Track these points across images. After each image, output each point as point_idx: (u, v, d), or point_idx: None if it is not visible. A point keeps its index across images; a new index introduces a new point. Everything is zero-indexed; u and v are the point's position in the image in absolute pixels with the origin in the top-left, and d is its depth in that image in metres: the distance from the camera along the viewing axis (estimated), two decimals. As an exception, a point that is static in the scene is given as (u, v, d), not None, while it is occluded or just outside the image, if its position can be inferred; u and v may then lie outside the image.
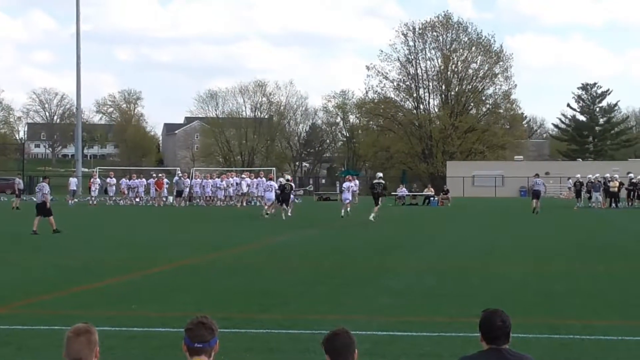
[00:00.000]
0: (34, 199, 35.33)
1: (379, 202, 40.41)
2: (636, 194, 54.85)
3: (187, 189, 59.81)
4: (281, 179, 44.64)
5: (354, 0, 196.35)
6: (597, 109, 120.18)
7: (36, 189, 32.52)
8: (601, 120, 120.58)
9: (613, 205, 54.12)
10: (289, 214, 42.16)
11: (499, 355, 5.47)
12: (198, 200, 59.79)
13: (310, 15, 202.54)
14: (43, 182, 31.78)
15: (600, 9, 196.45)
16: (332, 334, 5.24)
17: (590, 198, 54.67)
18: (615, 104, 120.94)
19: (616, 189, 54.58)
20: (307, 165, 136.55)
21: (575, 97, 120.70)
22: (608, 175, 57.26)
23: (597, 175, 56.80)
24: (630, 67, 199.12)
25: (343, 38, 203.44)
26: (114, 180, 60.61)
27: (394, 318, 12.71)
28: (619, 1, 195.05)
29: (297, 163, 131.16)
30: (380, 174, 45.26)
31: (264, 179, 51.31)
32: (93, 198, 58.94)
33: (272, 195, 42.74)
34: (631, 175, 56.14)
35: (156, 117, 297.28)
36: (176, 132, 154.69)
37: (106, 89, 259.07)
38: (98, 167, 76.13)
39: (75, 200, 60.57)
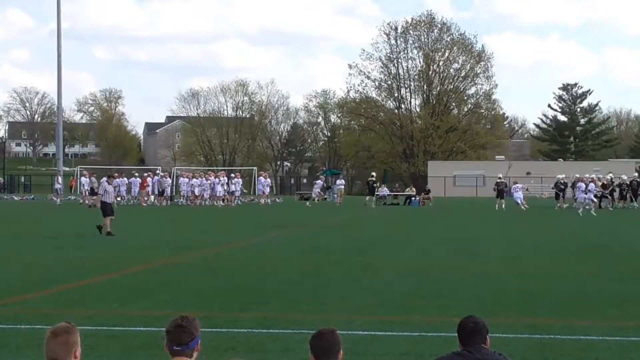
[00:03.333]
0: (15, 198, 35.02)
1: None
2: (624, 194, 55.22)
3: (169, 188, 59.72)
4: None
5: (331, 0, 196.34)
6: (578, 109, 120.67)
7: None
8: (582, 121, 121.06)
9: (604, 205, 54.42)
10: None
11: (468, 355, 5.57)
12: (182, 199, 59.69)
13: (288, 14, 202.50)
14: (105, 181, 30.95)
15: (576, 7, 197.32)
16: (317, 333, 5.27)
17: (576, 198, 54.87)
18: (596, 104, 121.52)
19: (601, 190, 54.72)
20: (289, 164, 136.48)
21: (556, 98, 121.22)
22: (594, 175, 57.64)
23: (587, 175, 57.09)
24: (609, 67, 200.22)
25: (320, 37, 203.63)
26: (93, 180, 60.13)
27: (375, 317, 12.75)
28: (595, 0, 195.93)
29: (278, 162, 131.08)
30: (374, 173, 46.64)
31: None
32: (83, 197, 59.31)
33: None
34: (623, 176, 56.32)
35: (137, 116, 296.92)
36: (157, 131, 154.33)
37: (85, 87, 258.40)
38: (79, 166, 75.94)
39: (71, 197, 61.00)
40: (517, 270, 19.34)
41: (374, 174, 59.32)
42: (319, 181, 68.94)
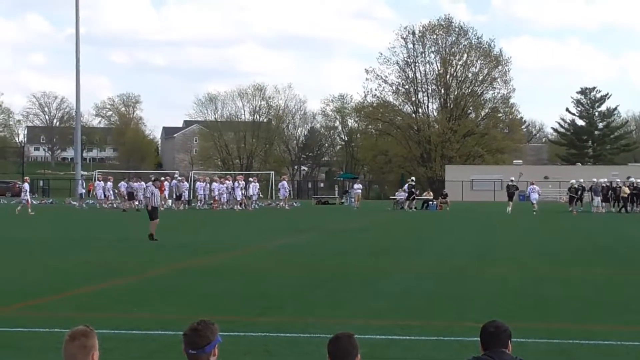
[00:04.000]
0: (34, 202, 35.05)
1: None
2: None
3: (186, 193, 59.98)
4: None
5: (344, 3, 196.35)
6: (596, 114, 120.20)
7: (146, 193, 31.04)
8: (600, 125, 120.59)
9: (623, 210, 54.28)
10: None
11: (488, 359, 5.57)
12: (199, 203, 59.96)
13: (304, 18, 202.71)
14: (152, 184, 30.97)
15: (595, 11, 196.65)
16: (334, 338, 5.29)
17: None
18: (615, 108, 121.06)
19: (626, 195, 54.62)
20: (306, 169, 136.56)
21: (574, 102, 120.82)
22: (618, 180, 57.68)
23: (605, 180, 57.09)
24: (628, 71, 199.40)
25: (337, 41, 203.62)
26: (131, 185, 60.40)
27: (392, 322, 12.74)
28: (613, 3, 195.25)
29: (295, 167, 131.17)
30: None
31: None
32: (102, 200, 59.97)
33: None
34: (632, 179, 56.20)
35: (155, 120, 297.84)
36: (175, 135, 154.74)
37: (103, 92, 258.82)
38: (97, 171, 76.26)
39: (89, 201, 61.51)
40: (534, 274, 19.28)
41: (413, 178, 59.74)
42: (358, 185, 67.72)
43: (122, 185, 60.80)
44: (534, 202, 53.25)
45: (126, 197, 58.69)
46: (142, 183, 60.43)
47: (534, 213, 50.69)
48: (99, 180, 62.36)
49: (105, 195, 60.97)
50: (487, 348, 5.66)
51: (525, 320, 12.64)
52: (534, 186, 54.97)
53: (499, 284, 17.51)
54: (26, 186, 52.08)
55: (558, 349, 10.91)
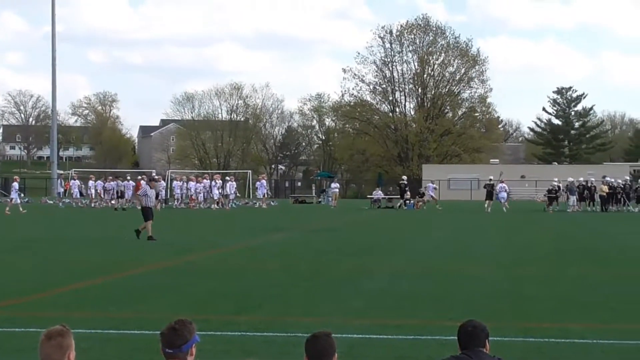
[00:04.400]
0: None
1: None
2: (617, 198, 55.45)
3: (163, 192, 59.77)
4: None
5: (323, 3, 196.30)
6: (573, 113, 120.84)
7: (141, 192, 30.68)
8: (576, 124, 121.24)
9: (602, 209, 54.66)
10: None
11: (466, 359, 5.58)
12: (176, 202, 59.78)
13: (282, 18, 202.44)
14: (147, 184, 30.53)
15: (571, 11, 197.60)
16: (312, 337, 5.28)
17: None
18: (591, 108, 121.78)
19: (605, 194, 54.94)
20: (283, 168, 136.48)
21: (551, 101, 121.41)
22: (593, 179, 58.12)
23: (581, 179, 57.49)
24: (603, 71, 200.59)
25: (314, 40, 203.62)
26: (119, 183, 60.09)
27: (370, 321, 12.76)
28: (589, 4, 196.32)
29: (272, 166, 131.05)
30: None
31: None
32: (78, 199, 59.74)
33: None
34: (607, 179, 56.53)
35: (132, 119, 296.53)
36: (152, 134, 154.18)
37: (80, 90, 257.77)
38: (73, 169, 75.85)
39: (66, 200, 61.16)
40: (511, 273, 19.36)
41: (405, 177, 59.99)
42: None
43: (99, 184, 60.48)
44: (503, 200, 55.07)
45: (115, 196, 58.56)
46: (131, 182, 60.28)
47: (504, 210, 52.11)
48: (74, 179, 62.11)
49: (87, 194, 60.73)
50: (465, 347, 5.68)
51: (502, 319, 12.69)
52: (503, 184, 56.46)
53: (477, 282, 17.56)
54: (15, 185, 52.08)
55: (535, 348, 10.95)
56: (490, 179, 57.48)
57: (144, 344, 10.77)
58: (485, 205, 53.78)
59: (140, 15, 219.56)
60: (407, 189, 61.24)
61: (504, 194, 56.00)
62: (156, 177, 61.37)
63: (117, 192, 58.99)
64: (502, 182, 56.61)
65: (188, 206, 58.12)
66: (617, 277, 18.88)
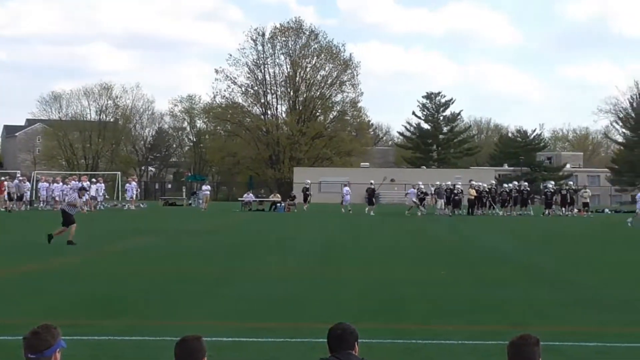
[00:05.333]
0: None
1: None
2: (483, 202, 56.91)
3: (28, 193, 58.27)
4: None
5: (194, 3, 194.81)
6: (441, 118, 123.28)
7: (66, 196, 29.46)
8: (445, 129, 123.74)
9: (464, 212, 55.99)
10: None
11: None
12: (42, 204, 58.34)
13: (153, 18, 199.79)
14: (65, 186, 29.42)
15: (439, 18, 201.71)
16: (181, 340, 5.24)
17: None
18: (459, 113, 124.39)
19: (472, 197, 56.20)
20: (153, 170, 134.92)
21: (420, 106, 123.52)
22: (459, 184, 59.39)
23: (449, 182, 58.70)
24: (470, 77, 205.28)
25: (186, 42, 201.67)
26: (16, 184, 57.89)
27: (240, 324, 12.71)
28: (457, 11, 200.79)
29: (142, 167, 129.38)
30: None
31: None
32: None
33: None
34: (474, 183, 57.92)
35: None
36: (17, 134, 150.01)
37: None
38: None
39: None
40: (381, 275, 19.59)
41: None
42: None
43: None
44: (347, 203, 58.16)
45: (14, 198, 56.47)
46: (27, 184, 58.38)
47: (350, 212, 54.97)
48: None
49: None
50: (334, 350, 5.70)
51: (372, 321, 12.83)
52: (347, 188, 59.46)
53: (347, 285, 17.70)
54: None
55: (403, 349, 11.11)
56: (372, 183, 58.37)
57: (8, 350, 10.45)
58: (366, 210, 54.66)
59: (6, 11, 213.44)
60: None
61: (348, 197, 58.61)
62: (20, 177, 59.91)
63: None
64: (346, 185, 58.70)
65: (53, 208, 56.69)
66: (481, 278, 19.33)
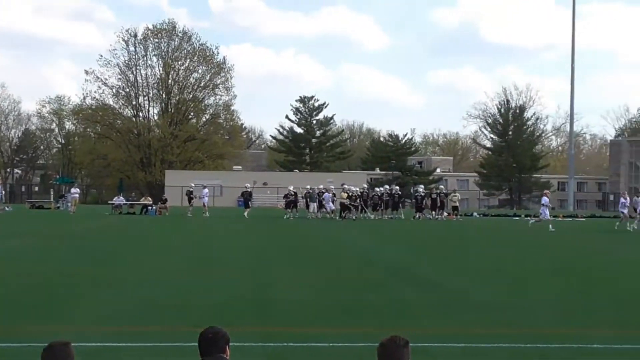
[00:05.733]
0: None
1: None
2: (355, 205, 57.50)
3: None
4: None
5: (65, 3, 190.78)
6: (314, 122, 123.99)
7: None
8: (318, 133, 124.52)
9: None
10: None
11: None
12: None
13: (20, 17, 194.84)
14: None
15: (312, 22, 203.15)
16: (48, 347, 5.15)
17: (308, 208, 56.69)
18: (331, 117, 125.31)
19: (345, 201, 56.59)
20: (20, 172, 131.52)
21: (293, 110, 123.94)
22: (332, 187, 59.89)
23: (321, 186, 59.12)
24: (342, 81, 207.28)
25: (55, 41, 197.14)
26: None
27: (108, 328, 12.53)
28: (330, 16, 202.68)
29: (8, 170, 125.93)
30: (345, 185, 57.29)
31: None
32: None
33: None
34: (346, 186, 58.50)
35: None
36: None
37: None
38: None
39: None
40: (254, 278, 19.61)
41: (248, 184, 59.75)
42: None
43: None
44: (203, 202, 58.42)
45: None
46: None
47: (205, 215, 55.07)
48: None
49: None
50: (205, 354, 5.69)
51: (243, 324, 12.81)
52: (206, 190, 59.46)
53: (220, 288, 17.63)
54: None
55: (274, 352, 11.14)
56: (247, 186, 59.10)
57: None
58: (245, 214, 54.71)
59: None
60: (250, 198, 60.14)
61: (206, 199, 58.64)
62: None
63: None
64: (204, 187, 59.30)
65: None
66: (352, 281, 19.52)
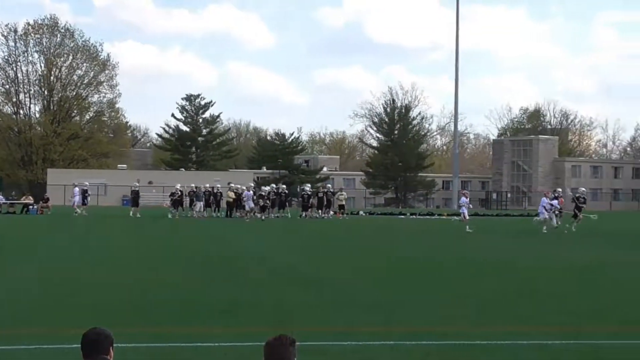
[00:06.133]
0: None
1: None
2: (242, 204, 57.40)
3: None
4: None
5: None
6: (201, 120, 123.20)
7: None
8: (204, 131, 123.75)
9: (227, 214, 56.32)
10: None
11: None
12: None
13: None
14: None
15: (198, 20, 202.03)
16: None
17: (193, 207, 56.39)
18: (218, 116, 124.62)
19: (231, 200, 56.25)
20: None
21: (180, 108, 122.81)
22: (219, 185, 59.69)
23: (207, 185, 58.86)
24: (228, 79, 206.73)
25: None
26: None
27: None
28: (216, 14, 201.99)
29: None
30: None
31: None
32: None
33: None
34: (232, 185, 58.39)
35: None
36: None
37: None
38: None
39: None
40: (137, 277, 19.38)
41: (136, 183, 58.50)
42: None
43: None
44: (77, 204, 58.03)
45: None
46: None
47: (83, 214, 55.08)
48: None
49: None
50: (88, 355, 5.59)
51: (129, 325, 12.65)
52: (77, 189, 58.96)
53: (105, 288, 17.40)
54: None
55: (159, 353, 11.06)
56: (136, 186, 59.37)
57: None
58: (131, 213, 54.50)
59: None
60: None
61: (77, 198, 58.38)
62: None
63: None
64: (75, 185, 59.62)
65: None
66: (238, 279, 19.49)
